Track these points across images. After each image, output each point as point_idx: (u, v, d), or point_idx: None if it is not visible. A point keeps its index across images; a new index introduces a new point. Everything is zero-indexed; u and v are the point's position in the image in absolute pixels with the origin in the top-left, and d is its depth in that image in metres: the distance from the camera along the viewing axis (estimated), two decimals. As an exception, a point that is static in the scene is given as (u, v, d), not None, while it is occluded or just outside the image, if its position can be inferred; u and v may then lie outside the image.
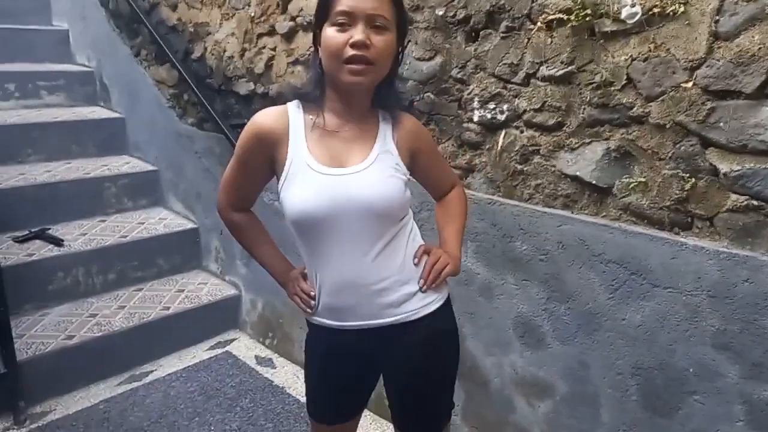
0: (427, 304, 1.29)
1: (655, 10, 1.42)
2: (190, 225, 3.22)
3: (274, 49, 2.53)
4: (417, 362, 1.32)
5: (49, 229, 2.92)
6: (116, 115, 3.72)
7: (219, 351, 2.79)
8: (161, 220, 3.26)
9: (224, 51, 2.81)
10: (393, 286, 1.23)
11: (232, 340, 2.88)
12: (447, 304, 1.35)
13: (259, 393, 2.47)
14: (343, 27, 1.11)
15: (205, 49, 2.93)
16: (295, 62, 2.44)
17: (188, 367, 2.64)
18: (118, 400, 2.38)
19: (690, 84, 1.39)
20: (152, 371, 2.60)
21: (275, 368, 2.68)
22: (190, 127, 3.15)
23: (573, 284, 1.69)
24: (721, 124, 1.36)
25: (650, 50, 1.45)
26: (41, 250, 2.73)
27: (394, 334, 1.26)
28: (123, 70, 3.65)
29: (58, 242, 2.80)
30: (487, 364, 1.95)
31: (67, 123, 3.52)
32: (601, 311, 1.64)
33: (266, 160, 1.23)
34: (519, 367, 1.86)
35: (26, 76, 3.73)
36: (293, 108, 1.23)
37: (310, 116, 1.21)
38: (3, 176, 3.05)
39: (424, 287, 1.27)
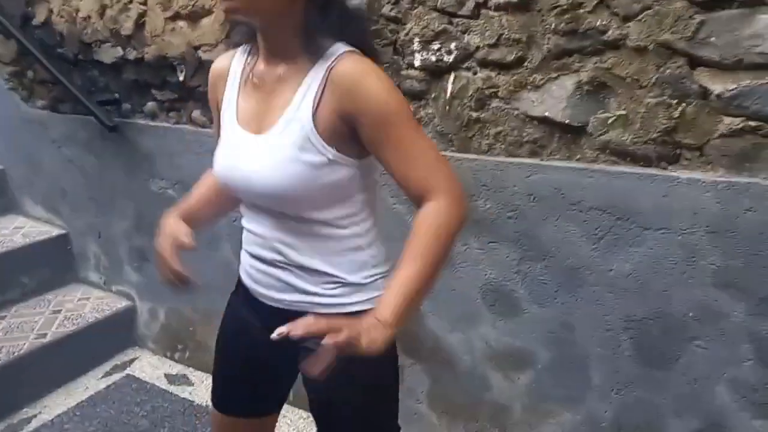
0: (341, 303, 1.00)
1: None
2: (56, 231, 2.66)
3: (144, 3, 2.06)
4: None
5: None
6: (-64, 106, 2.97)
7: (118, 376, 2.31)
8: (17, 230, 2.65)
9: (77, 11, 2.27)
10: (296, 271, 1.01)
11: (133, 360, 2.41)
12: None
13: (179, 417, 2.07)
14: None
15: (51, 11, 2.35)
16: (176, 17, 2.00)
17: (81, 402, 2.15)
18: (-6, 461, 1.87)
19: (676, -4, 1.23)
20: (36, 415, 2.08)
21: (192, 385, 2.27)
22: (42, 110, 2.56)
23: (549, 239, 1.50)
24: (713, 39, 1.22)
25: (625, -39, 1.27)
26: None
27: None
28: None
29: None
30: (452, 342, 1.73)
31: None
32: (584, 265, 1.47)
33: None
34: (492, 339, 1.66)
35: None
36: (242, 50, 1.04)
37: (249, 61, 1.02)
38: None
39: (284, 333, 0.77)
